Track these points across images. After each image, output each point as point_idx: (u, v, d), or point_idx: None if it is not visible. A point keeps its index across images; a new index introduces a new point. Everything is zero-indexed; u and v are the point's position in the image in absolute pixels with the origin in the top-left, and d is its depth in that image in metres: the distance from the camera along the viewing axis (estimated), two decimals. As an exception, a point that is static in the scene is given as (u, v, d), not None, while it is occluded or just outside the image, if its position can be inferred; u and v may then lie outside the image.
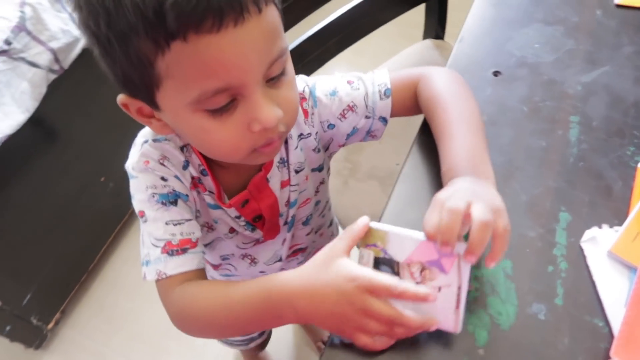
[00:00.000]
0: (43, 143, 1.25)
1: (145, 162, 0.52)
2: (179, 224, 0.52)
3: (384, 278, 0.43)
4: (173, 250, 0.51)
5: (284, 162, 0.61)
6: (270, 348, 1.30)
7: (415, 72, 0.60)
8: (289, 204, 0.64)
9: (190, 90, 0.42)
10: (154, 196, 0.52)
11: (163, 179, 0.53)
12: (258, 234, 0.64)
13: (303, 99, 0.59)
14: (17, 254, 1.26)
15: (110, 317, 1.47)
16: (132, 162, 0.53)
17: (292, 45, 0.94)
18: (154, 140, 0.54)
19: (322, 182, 0.68)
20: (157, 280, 0.51)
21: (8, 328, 1.29)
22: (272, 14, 0.43)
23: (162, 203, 0.52)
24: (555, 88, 0.62)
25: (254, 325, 0.49)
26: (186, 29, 0.39)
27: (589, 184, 0.54)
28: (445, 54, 1.11)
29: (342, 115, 0.60)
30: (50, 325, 1.40)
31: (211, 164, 0.56)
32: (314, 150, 0.62)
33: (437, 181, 0.51)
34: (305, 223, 0.70)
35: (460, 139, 0.51)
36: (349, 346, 0.46)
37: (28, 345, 1.38)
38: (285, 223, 0.66)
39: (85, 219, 1.44)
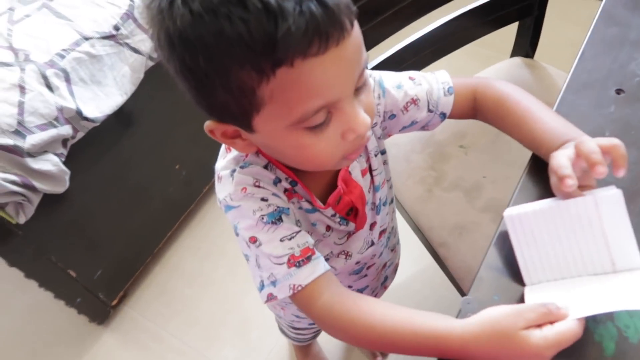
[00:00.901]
0: (130, 126, 1.30)
1: (243, 190, 0.53)
2: (292, 237, 0.53)
3: (567, 328, 0.43)
4: (299, 261, 0.52)
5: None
6: (323, 346, 1.31)
7: (472, 79, 0.66)
8: (373, 189, 0.67)
9: (293, 112, 0.44)
10: (263, 218, 0.53)
11: (263, 199, 0.53)
12: (351, 226, 0.66)
13: None
14: (96, 229, 1.32)
15: (169, 301, 1.51)
16: (228, 193, 0.54)
17: (391, 51, 0.97)
18: (242, 167, 0.55)
19: (385, 163, 0.71)
20: (293, 294, 0.52)
21: (78, 300, 1.35)
22: (357, 27, 0.45)
23: (272, 222, 0.53)
24: (682, 111, 0.62)
25: (414, 355, 0.50)
26: (294, 55, 0.40)
27: None
28: (536, 73, 1.11)
29: (405, 108, 0.64)
30: (114, 303, 1.46)
31: (297, 174, 0.57)
32: (379, 137, 0.66)
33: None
34: (385, 204, 0.72)
35: (547, 120, 0.58)
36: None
37: (92, 320, 1.44)
38: (372, 208, 0.69)
39: (156, 203, 1.49)
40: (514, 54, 1.18)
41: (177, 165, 1.49)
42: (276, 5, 0.38)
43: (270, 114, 0.44)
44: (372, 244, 0.73)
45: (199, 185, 1.62)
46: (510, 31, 1.16)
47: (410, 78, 0.65)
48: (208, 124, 0.49)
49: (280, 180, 0.56)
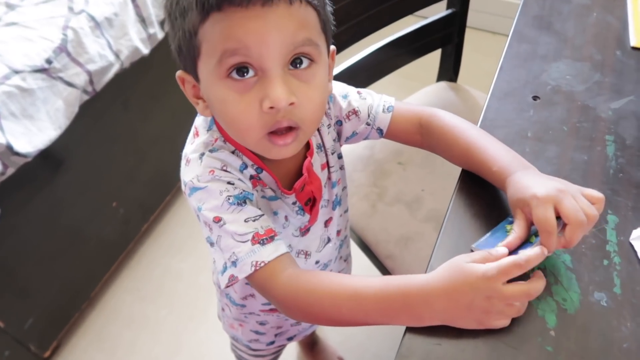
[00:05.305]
0: (64, 162, 1.25)
1: (210, 172, 0.56)
2: (256, 219, 0.55)
3: (507, 259, 0.48)
4: (263, 239, 0.53)
5: (321, 147, 0.67)
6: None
7: (420, 107, 0.69)
8: (330, 185, 0.70)
9: (216, 51, 0.49)
10: (229, 199, 0.54)
11: (230, 183, 0.56)
12: (306, 217, 0.67)
13: None
14: (26, 273, 1.23)
15: (109, 348, 1.42)
16: (196, 174, 0.56)
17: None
18: (210, 152, 0.57)
19: (341, 168, 0.74)
20: (255, 272, 0.53)
21: (6, 353, 1.24)
22: (305, 11, 0.49)
23: (238, 203, 0.54)
24: (589, 112, 0.70)
25: (383, 321, 0.51)
26: (222, 1, 0.47)
27: (630, 191, 0.61)
28: (460, 94, 1.20)
29: (347, 117, 0.68)
30: (47, 355, 1.35)
31: (263, 161, 0.60)
32: (334, 140, 0.69)
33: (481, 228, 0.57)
34: (340, 204, 0.74)
35: (495, 147, 0.60)
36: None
37: (22, 375, 1.32)
38: (327, 205, 0.71)
39: (92, 243, 1.42)
40: (440, 78, 1.28)
41: (114, 203, 1.44)
42: None
43: (203, 57, 0.51)
44: (329, 240, 0.74)
45: (137, 224, 1.56)
46: (432, 65, 1.27)
47: (358, 92, 0.70)
48: (179, 73, 0.56)
49: (246, 167, 0.59)
